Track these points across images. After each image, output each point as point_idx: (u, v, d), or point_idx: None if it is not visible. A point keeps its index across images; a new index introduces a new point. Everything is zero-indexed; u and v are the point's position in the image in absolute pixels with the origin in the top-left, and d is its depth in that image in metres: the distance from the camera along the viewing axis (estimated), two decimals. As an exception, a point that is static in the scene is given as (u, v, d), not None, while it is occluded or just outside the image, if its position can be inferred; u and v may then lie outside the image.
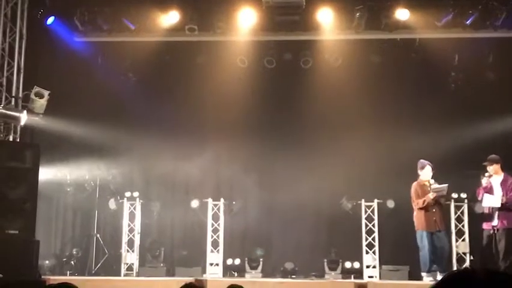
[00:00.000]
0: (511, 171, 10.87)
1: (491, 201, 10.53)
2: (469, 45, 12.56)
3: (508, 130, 12.13)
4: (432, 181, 10.83)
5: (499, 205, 10.42)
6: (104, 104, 13.33)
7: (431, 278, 10.69)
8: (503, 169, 10.72)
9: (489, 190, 10.56)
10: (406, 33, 12.41)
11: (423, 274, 10.76)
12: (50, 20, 12.12)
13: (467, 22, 11.77)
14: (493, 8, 11.55)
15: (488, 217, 10.59)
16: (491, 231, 10.55)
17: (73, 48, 12.75)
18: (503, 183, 10.54)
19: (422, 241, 10.67)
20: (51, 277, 10.65)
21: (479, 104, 12.78)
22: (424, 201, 10.67)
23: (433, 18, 11.80)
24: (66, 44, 12.62)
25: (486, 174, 10.60)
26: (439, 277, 10.51)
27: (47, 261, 12.57)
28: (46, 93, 11.59)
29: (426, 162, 10.89)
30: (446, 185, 10.80)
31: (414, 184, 10.87)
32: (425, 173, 10.84)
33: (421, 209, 10.73)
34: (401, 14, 11.75)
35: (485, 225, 10.74)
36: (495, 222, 10.48)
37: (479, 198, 10.84)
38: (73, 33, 12.51)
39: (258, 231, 13.38)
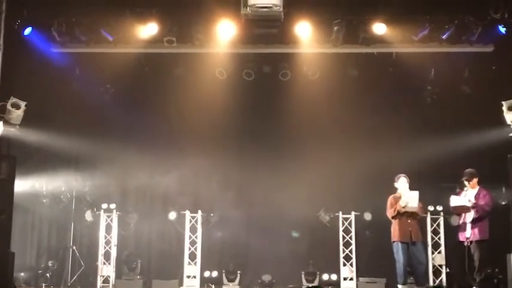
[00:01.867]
0: (487, 184, 10.98)
1: (458, 200, 10.61)
2: (445, 59, 12.70)
3: (483, 143, 12.25)
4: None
5: (465, 203, 10.47)
6: (82, 115, 13.28)
7: (407, 290, 10.74)
8: (478, 182, 10.82)
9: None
10: (383, 48, 12.50)
11: (399, 286, 10.79)
12: (28, 30, 12.02)
13: (444, 37, 11.90)
14: (469, 23, 11.69)
15: (462, 229, 10.67)
16: (466, 243, 10.62)
17: (50, 59, 12.67)
18: (476, 196, 10.63)
19: (398, 252, 10.69)
20: (27, 289, 10.58)
21: (455, 118, 12.94)
22: (395, 209, 10.68)
23: (409, 33, 11.91)
24: (44, 54, 12.52)
25: (465, 188, 10.65)
26: (416, 289, 10.62)
27: (22, 274, 12.46)
28: (23, 104, 11.50)
29: (401, 174, 10.92)
30: (417, 192, 10.77)
31: (390, 197, 10.89)
32: (400, 185, 10.85)
33: (395, 219, 10.74)
34: (379, 28, 11.85)
35: (460, 237, 10.81)
36: (468, 233, 10.54)
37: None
38: (50, 44, 12.42)
39: (236, 243, 13.37)
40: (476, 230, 10.44)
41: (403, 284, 10.70)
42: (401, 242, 10.66)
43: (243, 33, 12.07)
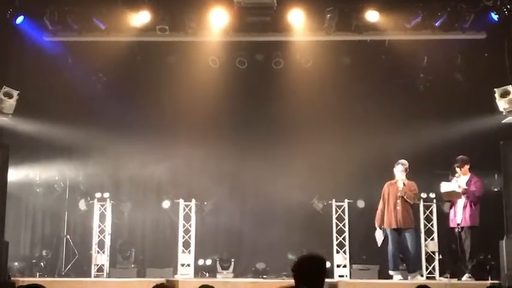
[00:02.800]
0: (479, 170, 11.05)
1: (448, 186, 10.70)
2: (438, 46, 12.70)
3: (476, 130, 12.29)
4: (401, 182, 10.90)
5: (455, 189, 10.57)
6: (74, 104, 13.24)
7: (400, 277, 10.80)
8: (470, 169, 10.89)
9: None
10: (376, 35, 12.48)
11: (390, 272, 10.88)
12: (19, 19, 11.95)
13: (436, 24, 11.89)
14: (462, 11, 11.70)
15: (453, 215, 10.75)
16: (457, 230, 10.70)
17: (43, 47, 12.60)
18: (467, 183, 10.71)
19: (388, 239, 10.82)
20: (21, 279, 10.55)
21: (448, 105, 12.97)
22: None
23: (402, 20, 11.90)
24: (36, 43, 12.46)
25: (456, 175, 10.74)
26: (410, 276, 10.70)
27: (16, 263, 12.44)
28: (15, 93, 11.49)
29: (400, 160, 11.01)
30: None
31: (386, 184, 11.01)
32: (396, 171, 10.96)
33: (385, 206, 10.88)
34: (371, 15, 11.83)
35: (451, 224, 10.89)
36: (459, 220, 10.63)
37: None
38: (43, 32, 12.36)
39: (230, 231, 13.40)
40: (467, 216, 10.54)
41: (394, 270, 10.80)
42: (391, 229, 10.76)
43: (236, 21, 12.04)
